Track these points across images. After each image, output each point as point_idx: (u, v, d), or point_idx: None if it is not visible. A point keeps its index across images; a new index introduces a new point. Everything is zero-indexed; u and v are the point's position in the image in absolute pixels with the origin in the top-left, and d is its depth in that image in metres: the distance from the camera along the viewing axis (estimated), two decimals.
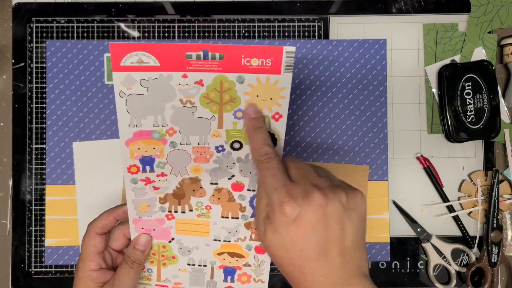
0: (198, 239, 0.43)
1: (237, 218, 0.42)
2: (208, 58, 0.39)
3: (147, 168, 0.40)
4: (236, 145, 0.40)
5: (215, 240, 0.43)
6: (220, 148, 0.40)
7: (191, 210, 0.42)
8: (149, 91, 0.37)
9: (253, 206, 0.42)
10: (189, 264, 0.44)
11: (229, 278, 0.45)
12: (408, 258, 0.53)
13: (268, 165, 0.35)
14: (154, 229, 0.43)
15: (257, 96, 0.37)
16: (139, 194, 0.41)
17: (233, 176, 0.41)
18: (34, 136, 0.53)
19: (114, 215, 0.42)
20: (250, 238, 0.43)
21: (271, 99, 0.38)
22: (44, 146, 0.53)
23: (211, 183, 0.41)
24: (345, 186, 0.36)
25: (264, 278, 0.45)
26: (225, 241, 0.43)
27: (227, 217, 0.42)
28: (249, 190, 0.41)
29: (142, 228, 0.43)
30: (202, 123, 0.39)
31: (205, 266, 0.44)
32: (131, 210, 0.42)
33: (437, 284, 0.52)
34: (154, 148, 0.39)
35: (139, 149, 0.39)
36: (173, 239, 0.43)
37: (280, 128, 0.39)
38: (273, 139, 0.39)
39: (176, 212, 0.42)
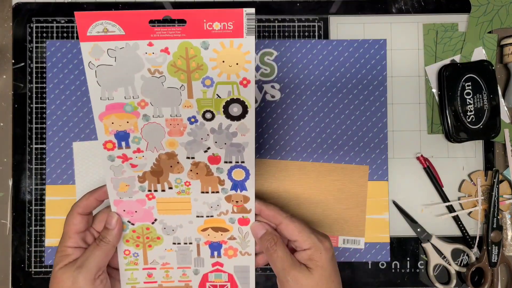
0: (181, 217, 0.44)
1: (217, 192, 0.43)
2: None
3: (123, 144, 0.40)
4: (208, 115, 0.40)
5: (197, 216, 0.44)
6: (192, 120, 0.40)
7: (170, 188, 0.42)
8: (117, 61, 0.37)
9: (231, 178, 0.42)
10: (174, 243, 0.45)
11: (215, 253, 0.45)
12: (408, 258, 0.53)
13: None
14: (136, 211, 0.43)
15: (223, 61, 0.38)
16: (117, 172, 0.41)
17: (208, 148, 0.41)
18: (34, 136, 0.53)
19: (95, 195, 0.43)
20: (232, 211, 0.43)
21: (237, 64, 0.38)
22: (44, 146, 0.53)
23: (188, 157, 0.41)
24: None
25: (250, 250, 0.45)
26: (207, 216, 0.44)
27: (207, 192, 0.43)
28: (225, 162, 0.42)
29: (124, 211, 0.43)
30: (172, 93, 0.39)
31: (190, 243, 0.45)
32: (111, 191, 0.42)
33: (437, 284, 0.52)
34: (127, 122, 0.39)
35: (113, 123, 0.39)
36: (156, 220, 0.44)
37: (249, 94, 0.39)
38: (244, 106, 0.39)
39: (156, 191, 0.42)
